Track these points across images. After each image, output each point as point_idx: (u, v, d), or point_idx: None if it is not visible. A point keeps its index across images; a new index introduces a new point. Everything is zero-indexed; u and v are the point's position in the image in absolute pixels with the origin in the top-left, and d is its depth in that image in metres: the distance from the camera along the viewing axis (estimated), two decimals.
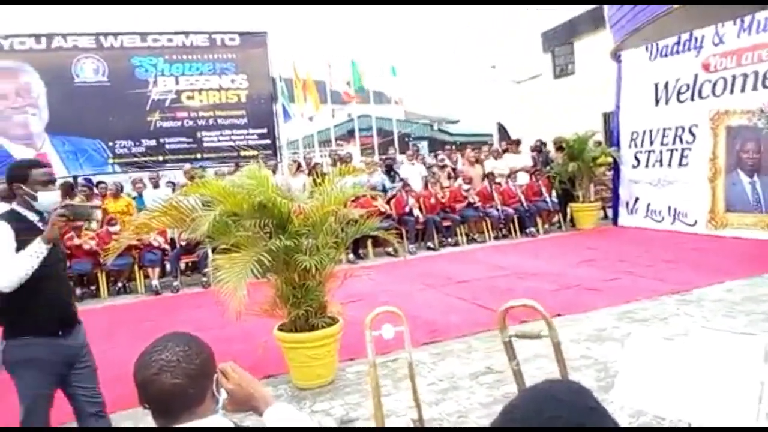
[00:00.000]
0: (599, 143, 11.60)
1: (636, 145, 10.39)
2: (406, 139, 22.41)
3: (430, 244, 9.88)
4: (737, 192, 8.56)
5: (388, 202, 9.84)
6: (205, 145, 13.10)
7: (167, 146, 12.85)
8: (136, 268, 8.31)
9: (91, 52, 12.36)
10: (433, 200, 10.08)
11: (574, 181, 10.84)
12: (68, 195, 7.85)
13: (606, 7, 13.51)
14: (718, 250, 7.66)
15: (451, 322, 5.36)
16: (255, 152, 12.76)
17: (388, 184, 10.43)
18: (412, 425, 2.97)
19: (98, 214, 3.00)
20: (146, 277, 8.31)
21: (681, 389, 1.99)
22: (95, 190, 9.68)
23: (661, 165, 9.86)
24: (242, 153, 13.08)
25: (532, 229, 10.46)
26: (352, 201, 6.57)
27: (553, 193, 11.04)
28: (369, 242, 9.45)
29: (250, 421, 1.44)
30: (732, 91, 8.61)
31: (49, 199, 2.76)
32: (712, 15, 8.83)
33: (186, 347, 1.28)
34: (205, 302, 6.73)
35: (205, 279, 8.12)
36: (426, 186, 10.51)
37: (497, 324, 2.47)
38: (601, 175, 11.52)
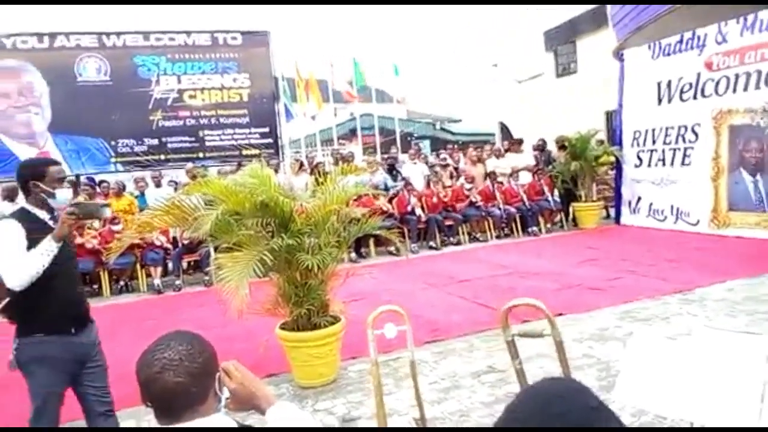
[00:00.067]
0: (602, 142, 11.59)
1: (638, 144, 10.37)
2: (409, 138, 22.40)
3: (432, 243, 9.88)
4: (740, 191, 8.54)
5: (390, 201, 9.84)
6: (207, 144, 13.11)
7: (169, 145, 12.85)
8: (138, 266, 8.32)
9: (93, 51, 12.38)
10: (435, 199, 10.08)
11: (576, 180, 10.83)
12: (74, 193, 7.88)
13: (608, 5, 13.48)
14: (721, 250, 7.64)
15: (453, 321, 5.36)
16: (257, 151, 12.77)
17: (390, 183, 10.43)
18: (413, 424, 2.97)
19: (107, 211, 3.00)
20: (148, 275, 8.32)
21: (683, 389, 1.99)
22: (98, 189, 9.70)
23: (664, 164, 9.84)
24: (244, 152, 13.09)
25: (535, 229, 10.45)
26: (354, 200, 6.58)
27: (556, 192, 11.03)
28: (371, 241, 9.46)
29: (252, 420, 1.44)
30: (735, 90, 8.59)
31: (65, 196, 2.78)
32: (715, 14, 8.80)
33: (189, 346, 1.29)
34: (207, 301, 6.74)
35: (207, 278, 8.13)
36: (428, 185, 10.51)
37: (500, 323, 2.47)
38: (603, 175, 11.50)
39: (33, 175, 2.73)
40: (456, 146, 15.06)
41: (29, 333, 2.69)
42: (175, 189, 9.07)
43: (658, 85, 9.90)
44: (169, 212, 4.06)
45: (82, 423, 3.01)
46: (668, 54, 9.74)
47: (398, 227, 8.85)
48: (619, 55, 11.00)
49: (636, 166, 10.42)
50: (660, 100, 9.92)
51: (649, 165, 10.13)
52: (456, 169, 11.65)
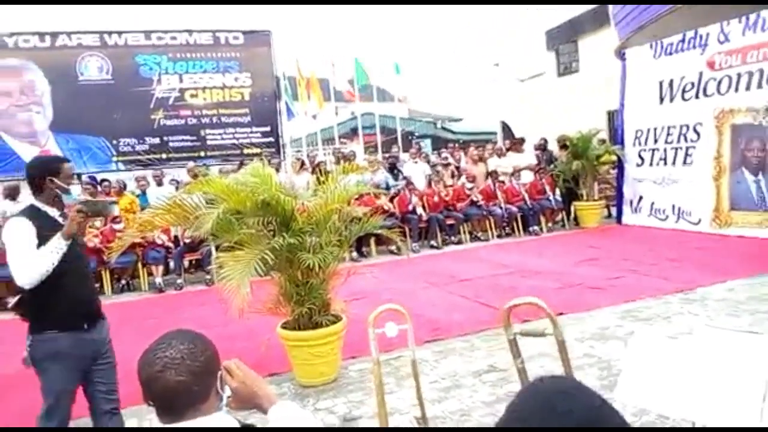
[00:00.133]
0: (603, 141, 11.58)
1: (640, 144, 10.36)
2: (410, 138, 22.39)
3: (433, 242, 9.87)
4: (742, 190, 8.53)
5: (391, 201, 9.84)
6: (208, 143, 13.13)
7: (171, 144, 12.88)
8: (139, 265, 8.33)
9: (95, 50, 12.40)
10: (436, 198, 10.07)
11: (577, 179, 10.82)
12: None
13: (610, 5, 13.46)
14: (723, 249, 7.63)
15: (454, 321, 5.36)
16: (258, 150, 12.79)
17: (391, 182, 10.43)
18: (415, 423, 2.97)
19: (116, 209, 3.03)
20: (150, 274, 8.33)
21: (685, 388, 1.99)
22: (99, 188, 9.71)
23: (666, 163, 9.83)
24: (246, 151, 13.12)
25: (536, 228, 10.45)
26: (356, 199, 6.58)
27: (557, 191, 11.02)
28: (372, 240, 9.46)
29: (254, 419, 1.44)
30: (737, 90, 8.58)
31: (77, 192, 2.80)
32: (717, 13, 8.79)
33: (190, 344, 1.29)
34: (209, 300, 6.75)
35: (208, 277, 8.14)
36: (429, 184, 10.50)
37: (501, 322, 2.47)
38: (605, 174, 11.50)
39: (49, 171, 2.75)
40: (457, 145, 15.06)
41: (42, 330, 2.70)
42: (177, 188, 9.08)
43: (660, 84, 9.89)
44: (170, 211, 4.07)
45: (83, 422, 3.01)
46: (670, 53, 9.73)
47: (399, 226, 8.86)
48: (620, 54, 10.99)
49: (638, 166, 10.41)
50: (662, 100, 9.91)
51: (651, 164, 10.12)
52: (457, 168, 11.64)
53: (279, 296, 4.28)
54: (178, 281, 8.21)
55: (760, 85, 8.23)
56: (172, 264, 8.57)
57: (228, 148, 13.21)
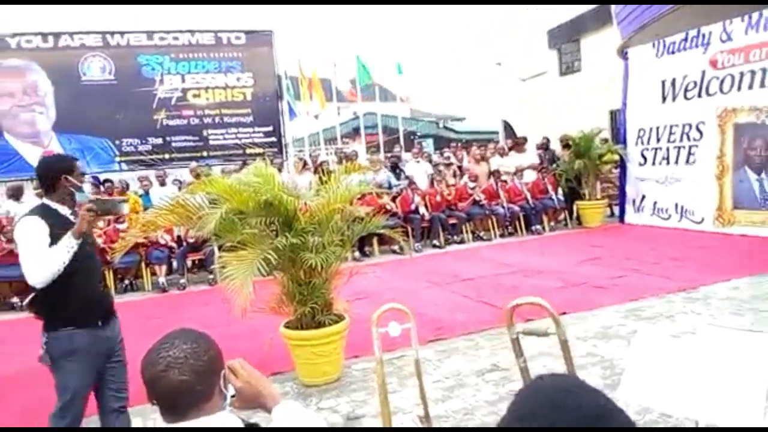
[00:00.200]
0: (606, 141, 11.57)
1: (643, 143, 10.35)
2: (412, 137, 22.39)
3: (435, 241, 9.87)
4: (744, 189, 8.51)
5: (393, 200, 9.84)
6: (211, 143, 13.15)
7: (173, 144, 12.90)
8: (143, 265, 8.34)
9: (97, 51, 12.42)
10: (438, 198, 10.07)
11: (580, 178, 10.81)
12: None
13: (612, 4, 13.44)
14: (725, 248, 7.62)
15: (457, 320, 5.36)
16: (261, 150, 12.80)
17: (393, 181, 10.43)
18: (418, 422, 2.97)
19: (126, 207, 3.05)
20: (153, 274, 8.35)
21: (688, 387, 1.99)
22: (101, 189, 9.73)
23: (668, 162, 9.81)
24: (248, 151, 13.13)
25: (538, 227, 10.44)
26: (358, 199, 6.59)
27: (560, 190, 11.01)
28: (375, 240, 9.46)
29: (257, 418, 1.45)
30: (739, 88, 8.56)
31: (88, 190, 2.82)
32: (719, 12, 8.77)
33: (194, 344, 1.29)
34: (212, 300, 6.76)
35: (211, 276, 8.16)
36: (431, 184, 10.50)
37: (504, 321, 2.47)
38: (607, 173, 11.48)
39: (63, 169, 2.76)
40: (459, 145, 15.04)
41: (59, 327, 2.70)
42: (180, 188, 9.09)
43: (663, 83, 9.87)
44: (173, 211, 4.07)
45: (89, 420, 3.02)
46: (673, 52, 9.71)
47: (402, 226, 8.87)
48: (623, 53, 10.97)
49: (640, 165, 10.39)
50: (664, 99, 9.89)
51: (654, 163, 10.11)
52: (459, 167, 11.64)
53: (282, 296, 4.28)
54: (181, 281, 8.22)
55: (762, 84, 8.21)
56: (175, 264, 8.59)
57: (230, 148, 13.23)
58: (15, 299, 7.65)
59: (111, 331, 2.90)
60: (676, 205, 9.61)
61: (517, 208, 10.42)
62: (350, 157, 10.38)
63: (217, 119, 13.19)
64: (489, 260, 8.29)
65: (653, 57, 10.09)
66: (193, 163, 10.94)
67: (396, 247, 9.29)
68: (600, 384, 3.50)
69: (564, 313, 5.00)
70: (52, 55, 12.09)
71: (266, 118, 13.59)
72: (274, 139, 13.66)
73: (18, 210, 8.45)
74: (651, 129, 10.17)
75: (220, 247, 5.48)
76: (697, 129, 9.26)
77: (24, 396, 4.26)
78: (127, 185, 9.86)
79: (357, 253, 9.21)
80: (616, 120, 13.50)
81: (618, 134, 11.50)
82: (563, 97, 17.96)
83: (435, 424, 3.14)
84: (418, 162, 11.30)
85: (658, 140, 10.01)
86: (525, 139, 12.15)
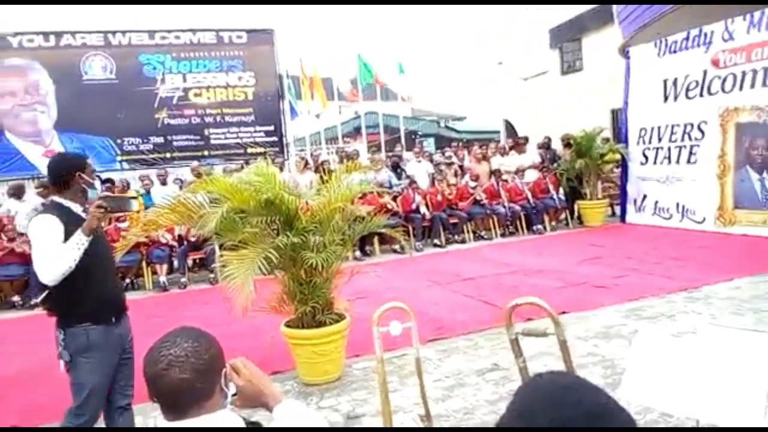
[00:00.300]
0: (607, 140, 11.55)
1: (644, 142, 10.34)
2: (413, 137, 22.40)
3: (436, 241, 9.87)
4: (746, 189, 8.50)
5: (394, 200, 9.84)
6: (212, 142, 13.16)
7: (175, 143, 12.92)
8: (144, 264, 8.35)
9: (99, 50, 12.44)
10: (439, 197, 10.07)
11: (581, 178, 10.80)
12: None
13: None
14: (727, 248, 7.62)
15: (458, 319, 5.36)
16: (262, 149, 12.81)
17: (394, 181, 10.43)
18: (418, 421, 2.98)
19: (135, 204, 3.07)
20: (154, 273, 8.35)
21: (689, 387, 1.99)
22: (103, 188, 9.73)
23: (670, 162, 9.80)
24: (249, 150, 13.14)
25: (539, 227, 10.43)
26: (359, 198, 6.58)
27: (561, 190, 11.01)
28: (376, 239, 9.46)
29: (258, 416, 1.45)
30: (741, 88, 8.55)
31: (99, 188, 2.84)
32: (721, 11, 8.76)
33: (195, 342, 1.29)
34: (213, 299, 6.76)
35: (212, 275, 8.16)
36: (432, 183, 10.50)
37: (504, 321, 2.47)
38: (608, 172, 11.47)
39: (78, 167, 2.78)
40: (461, 144, 15.04)
41: (75, 323, 2.71)
42: (181, 187, 9.09)
43: (664, 82, 9.86)
44: (174, 210, 4.08)
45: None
46: (674, 51, 9.70)
47: (403, 225, 8.87)
48: (625, 52, 10.96)
49: (642, 164, 10.38)
50: (666, 98, 9.88)
51: (655, 163, 10.10)
52: (461, 167, 11.64)
53: (283, 295, 4.29)
54: (182, 280, 8.23)
55: (764, 84, 8.20)
56: (176, 263, 8.59)
57: (232, 148, 13.24)
58: (16, 298, 7.66)
59: (123, 328, 2.92)
60: (678, 205, 9.60)
61: (518, 208, 10.42)
62: (351, 157, 10.38)
63: (218, 118, 13.20)
64: (490, 260, 8.28)
65: (655, 56, 10.08)
66: (195, 163, 10.96)
67: (397, 247, 9.29)
68: (601, 383, 3.49)
69: (565, 313, 5.01)
70: (53, 54, 12.11)
71: (267, 118, 13.59)
72: (275, 138, 13.67)
73: (20, 209, 8.47)
74: (652, 128, 10.16)
75: (221, 246, 5.48)
76: (699, 128, 9.25)
77: (24, 396, 4.27)
78: (128, 184, 9.87)
79: (358, 253, 9.21)
80: (618, 119, 13.49)
81: (619, 133, 11.49)
82: (564, 96, 17.94)
83: (435, 423, 3.14)
84: (419, 161, 11.30)
85: (660, 140, 10.00)
86: (526, 140, 12.14)
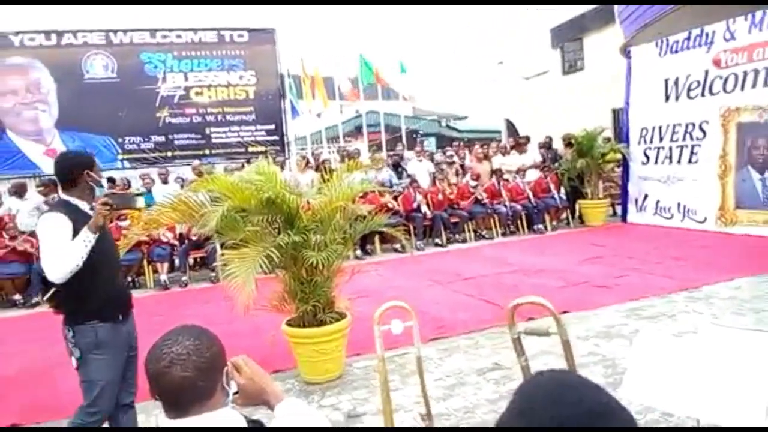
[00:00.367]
0: (608, 140, 11.54)
1: (645, 142, 10.33)
2: (414, 136, 22.40)
3: (437, 240, 9.87)
4: (747, 189, 8.50)
5: (395, 199, 9.84)
6: (213, 141, 13.17)
7: (176, 142, 12.93)
8: (145, 263, 8.36)
9: (100, 49, 12.45)
10: (440, 196, 10.07)
11: (582, 177, 10.80)
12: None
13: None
14: (728, 248, 7.61)
15: (459, 319, 5.36)
16: (263, 148, 12.81)
17: (395, 180, 10.43)
18: (419, 420, 2.98)
19: (141, 201, 3.09)
20: (155, 272, 8.36)
21: (690, 386, 1.99)
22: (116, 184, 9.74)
23: (671, 162, 9.80)
24: (250, 149, 13.14)
25: (540, 226, 10.43)
26: (360, 197, 6.58)
27: (562, 189, 11.00)
28: (376, 238, 9.47)
29: (259, 414, 1.45)
30: (743, 88, 8.54)
31: (105, 185, 2.85)
32: (722, 11, 8.75)
33: (196, 340, 1.29)
34: (214, 297, 6.77)
35: (213, 274, 8.17)
36: (434, 182, 10.50)
37: (506, 320, 2.47)
38: (610, 172, 11.46)
39: (86, 164, 2.80)
40: (462, 143, 15.04)
41: (83, 321, 2.71)
42: (182, 186, 9.10)
43: (666, 82, 9.85)
44: (175, 209, 4.08)
45: None
46: (676, 51, 9.69)
47: (404, 224, 8.88)
48: (626, 52, 10.95)
49: (643, 164, 10.38)
50: (667, 98, 9.87)
51: (656, 162, 10.09)
52: (462, 166, 11.64)
53: (284, 293, 4.29)
54: (183, 278, 8.24)
55: (766, 83, 8.19)
56: (177, 261, 8.60)
57: (233, 146, 13.25)
58: (17, 296, 7.67)
59: (130, 325, 2.94)
60: (679, 205, 9.60)
61: (519, 207, 10.42)
62: (352, 156, 10.38)
63: (219, 117, 13.20)
64: (491, 259, 8.28)
65: (656, 56, 10.07)
66: (196, 161, 10.96)
67: (398, 246, 9.29)
68: (602, 383, 3.48)
69: (566, 312, 5.00)
70: (55, 53, 12.11)
71: (268, 117, 13.60)
72: (276, 137, 13.67)
73: (21, 207, 8.48)
74: (654, 128, 10.15)
75: (222, 245, 5.48)
76: (700, 128, 9.24)
77: (24, 396, 4.27)
78: (129, 183, 9.88)
79: (359, 252, 9.22)
80: (619, 119, 13.48)
81: (621, 133, 11.48)
82: (566, 95, 17.93)
83: (436, 422, 3.14)
84: (420, 161, 11.30)
85: (661, 139, 10.00)
86: (527, 139, 12.13)
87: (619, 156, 10.92)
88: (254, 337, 4.82)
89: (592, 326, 4.85)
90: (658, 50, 10.03)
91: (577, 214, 11.13)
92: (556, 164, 11.13)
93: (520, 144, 12.01)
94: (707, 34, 9.07)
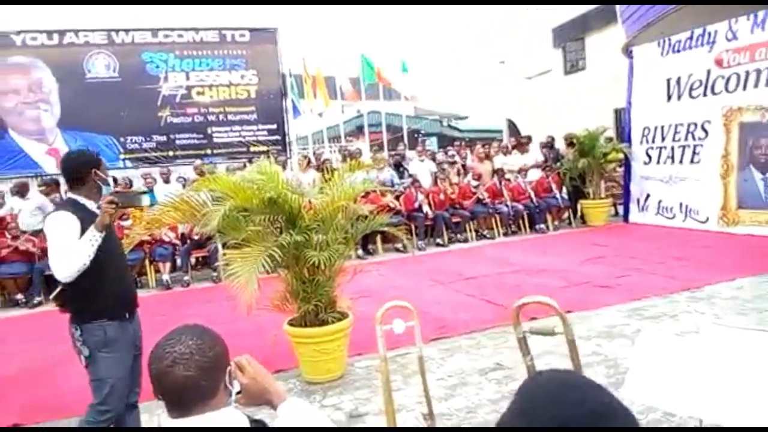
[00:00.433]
0: (610, 139, 11.52)
1: (647, 142, 10.32)
2: (416, 135, 22.39)
3: (439, 240, 9.87)
4: (749, 189, 8.49)
5: (397, 199, 9.84)
6: (215, 140, 13.17)
7: (178, 142, 12.92)
8: (147, 262, 8.37)
9: (102, 48, 12.45)
10: (442, 196, 10.07)
11: (584, 177, 10.79)
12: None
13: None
14: (730, 248, 7.60)
15: (460, 319, 5.36)
16: (265, 148, 12.81)
17: (397, 180, 10.43)
18: (421, 420, 2.98)
19: (146, 200, 3.11)
20: (157, 271, 8.37)
21: (692, 386, 1.98)
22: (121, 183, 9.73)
23: (673, 161, 9.79)
24: (252, 149, 13.14)
25: (542, 226, 10.43)
26: (362, 197, 6.59)
27: (564, 189, 10.99)
28: (378, 238, 9.47)
29: (262, 414, 1.45)
30: (745, 88, 8.53)
31: (112, 185, 2.85)
32: (724, 11, 8.74)
33: (199, 340, 1.29)
34: (216, 297, 6.78)
35: (215, 274, 8.17)
36: (435, 182, 10.50)
37: (509, 320, 2.47)
38: (611, 172, 11.45)
39: (92, 163, 2.81)
40: (463, 143, 15.03)
41: (90, 319, 2.71)
42: (184, 185, 9.11)
43: (668, 82, 9.84)
44: (177, 208, 4.08)
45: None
46: (678, 51, 9.68)
47: (405, 224, 8.88)
48: (628, 51, 10.94)
49: (645, 164, 10.37)
50: (669, 97, 9.86)
51: (658, 162, 10.08)
52: (463, 166, 11.63)
53: (286, 293, 4.29)
54: (185, 278, 8.25)
55: None
56: (179, 261, 8.61)
57: (234, 146, 13.24)
58: (19, 296, 7.68)
59: (135, 324, 2.95)
60: (681, 205, 9.59)
61: (520, 207, 10.41)
62: (354, 155, 10.38)
63: (221, 117, 13.20)
64: (492, 259, 8.28)
65: (658, 55, 10.06)
66: (198, 161, 10.96)
67: (399, 246, 9.29)
68: (604, 383, 3.48)
69: (568, 312, 4.96)
70: (56, 53, 12.12)
71: (270, 116, 13.59)
72: (278, 136, 13.67)
73: (23, 207, 8.48)
74: (656, 128, 10.14)
75: (224, 245, 5.48)
76: (702, 128, 9.23)
77: (24, 396, 4.28)
78: (131, 183, 9.88)
79: (360, 251, 9.22)
80: (621, 119, 13.46)
81: (623, 133, 11.46)
82: (567, 95, 17.92)
83: (438, 422, 3.14)
84: (421, 160, 11.30)
85: (663, 139, 9.99)
86: (529, 139, 12.12)
87: (621, 156, 10.91)
88: (256, 336, 4.82)
89: (594, 326, 4.85)
90: (660, 50, 10.02)
91: (578, 213, 11.12)
92: (558, 164, 11.12)
93: (521, 144, 11.99)
94: (709, 34, 9.06)
